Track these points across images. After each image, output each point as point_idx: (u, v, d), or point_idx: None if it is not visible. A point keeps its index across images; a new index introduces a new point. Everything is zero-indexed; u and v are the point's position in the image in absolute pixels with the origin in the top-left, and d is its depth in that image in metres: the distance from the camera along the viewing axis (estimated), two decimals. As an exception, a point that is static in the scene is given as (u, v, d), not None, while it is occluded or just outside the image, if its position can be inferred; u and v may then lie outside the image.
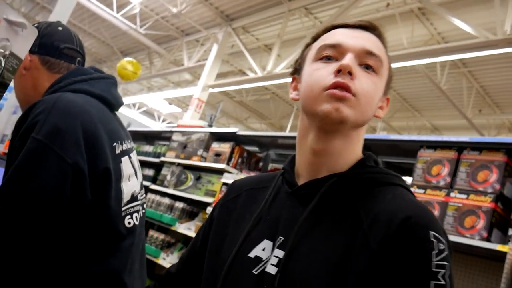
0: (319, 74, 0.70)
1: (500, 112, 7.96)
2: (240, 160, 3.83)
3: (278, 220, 0.73)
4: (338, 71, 0.68)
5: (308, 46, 0.78)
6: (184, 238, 4.14)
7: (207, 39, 8.29)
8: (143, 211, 1.21)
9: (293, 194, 0.75)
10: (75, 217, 1.00)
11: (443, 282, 0.60)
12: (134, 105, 14.49)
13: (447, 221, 2.35)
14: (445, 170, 2.51)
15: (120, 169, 1.10)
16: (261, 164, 4.07)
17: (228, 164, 3.81)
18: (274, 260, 0.69)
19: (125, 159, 1.13)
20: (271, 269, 0.69)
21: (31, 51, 1.14)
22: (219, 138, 4.21)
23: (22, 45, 0.50)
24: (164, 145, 5.19)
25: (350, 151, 0.73)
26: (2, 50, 0.49)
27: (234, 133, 3.97)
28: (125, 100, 12.63)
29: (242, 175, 3.55)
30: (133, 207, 1.14)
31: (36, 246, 0.97)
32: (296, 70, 0.80)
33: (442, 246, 0.62)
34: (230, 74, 9.88)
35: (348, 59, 0.68)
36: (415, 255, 0.61)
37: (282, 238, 0.70)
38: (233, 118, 13.29)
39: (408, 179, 2.63)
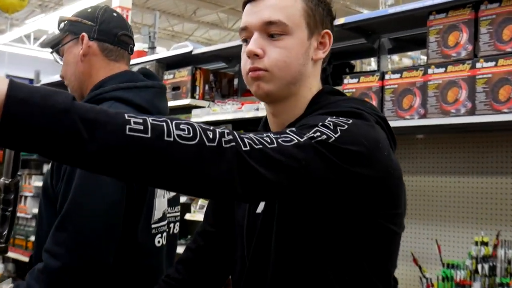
0: (243, 59, 0.97)
1: None
2: (207, 87, 3.44)
3: None
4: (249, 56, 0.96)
5: None
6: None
7: None
8: None
9: None
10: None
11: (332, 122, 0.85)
12: (27, 37, 11.69)
13: (478, 99, 2.21)
14: (464, 37, 2.35)
15: None
16: (236, 83, 3.67)
17: (193, 97, 3.42)
18: None
19: None
20: None
21: (89, 38, 1.30)
22: (171, 65, 3.74)
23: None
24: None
25: (302, 100, 0.98)
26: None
27: (189, 52, 3.48)
28: (13, 34, 10.51)
29: (217, 107, 3.22)
30: None
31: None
32: None
33: (344, 119, 0.87)
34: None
35: (251, 44, 0.93)
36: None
37: None
38: (176, 17, 11.50)
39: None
